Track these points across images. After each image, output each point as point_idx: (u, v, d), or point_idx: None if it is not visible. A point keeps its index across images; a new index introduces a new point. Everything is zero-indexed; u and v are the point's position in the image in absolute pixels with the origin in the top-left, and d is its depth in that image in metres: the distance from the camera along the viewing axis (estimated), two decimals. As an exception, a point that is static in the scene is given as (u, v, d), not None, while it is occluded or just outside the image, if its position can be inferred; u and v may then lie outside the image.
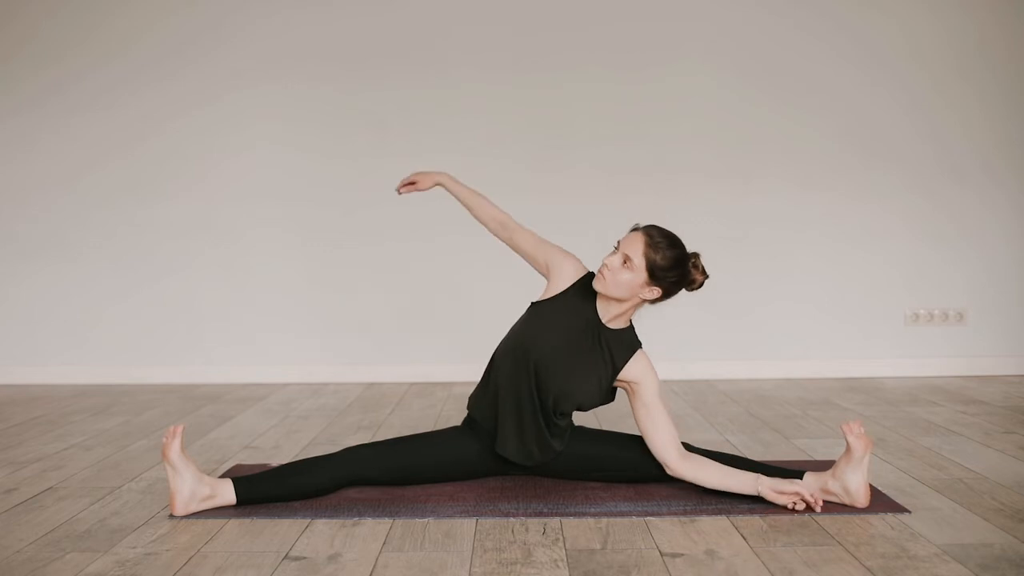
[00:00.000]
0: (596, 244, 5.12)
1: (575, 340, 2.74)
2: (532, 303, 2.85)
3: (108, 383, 5.16)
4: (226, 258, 5.21)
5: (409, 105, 5.18)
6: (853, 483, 2.55)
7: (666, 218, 5.13)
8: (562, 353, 2.73)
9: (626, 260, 2.64)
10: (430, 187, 3.05)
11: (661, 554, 2.25)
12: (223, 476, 2.91)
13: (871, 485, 2.70)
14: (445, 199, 5.16)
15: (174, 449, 2.57)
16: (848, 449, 2.56)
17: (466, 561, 2.23)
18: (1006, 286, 5.16)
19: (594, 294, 2.75)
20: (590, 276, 2.80)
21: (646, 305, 2.74)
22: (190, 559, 2.27)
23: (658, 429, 2.70)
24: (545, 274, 2.87)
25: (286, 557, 2.27)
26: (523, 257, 2.92)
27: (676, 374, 5.12)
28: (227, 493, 2.63)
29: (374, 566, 2.21)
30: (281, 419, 4.09)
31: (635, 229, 2.71)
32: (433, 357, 5.14)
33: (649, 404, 2.72)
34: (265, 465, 3.17)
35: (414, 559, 2.25)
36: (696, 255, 2.73)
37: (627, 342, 2.77)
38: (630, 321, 2.80)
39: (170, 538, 2.43)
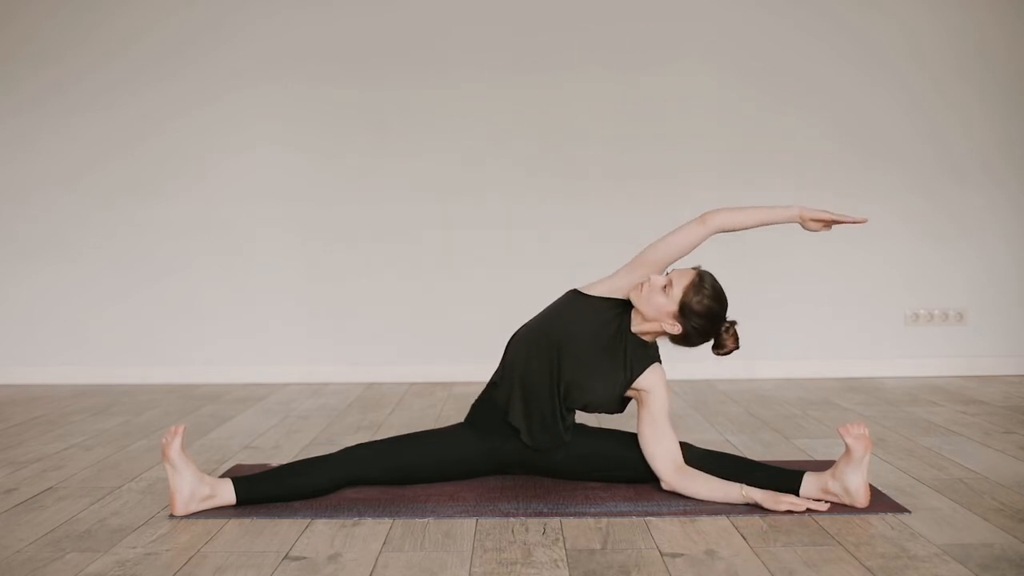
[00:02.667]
0: (595, 243, 5.14)
1: (603, 339, 2.76)
2: (575, 290, 2.85)
3: (108, 383, 5.16)
4: (226, 258, 5.21)
5: (409, 105, 5.18)
6: (853, 483, 2.55)
7: (666, 217, 5.16)
8: (587, 346, 2.75)
9: (667, 285, 2.67)
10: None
11: (661, 554, 2.25)
12: (223, 476, 2.91)
13: (871, 485, 2.70)
14: (446, 201, 5.19)
15: (174, 448, 2.57)
16: (848, 450, 2.56)
17: (466, 561, 2.23)
18: (1006, 286, 5.16)
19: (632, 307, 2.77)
20: None
21: (668, 341, 2.76)
22: (190, 559, 2.27)
23: (660, 443, 2.71)
24: (643, 265, 2.79)
25: (286, 557, 2.27)
26: (677, 248, 2.80)
27: (676, 374, 5.09)
28: (227, 493, 2.63)
29: (374, 566, 2.21)
30: (281, 419, 4.09)
31: (695, 268, 2.73)
32: (433, 357, 5.14)
33: (656, 416, 2.73)
34: (265, 465, 3.17)
35: (414, 559, 2.25)
36: (733, 323, 2.76)
37: (648, 354, 2.79)
38: (655, 341, 2.81)
39: (170, 538, 2.43)
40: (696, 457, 2.75)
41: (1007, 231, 5.16)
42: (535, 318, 2.86)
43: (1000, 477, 2.90)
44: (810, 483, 2.62)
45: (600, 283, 2.84)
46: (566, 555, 2.25)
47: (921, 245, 5.16)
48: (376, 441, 2.88)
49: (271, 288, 5.19)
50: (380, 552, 2.30)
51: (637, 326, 2.76)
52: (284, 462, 3.15)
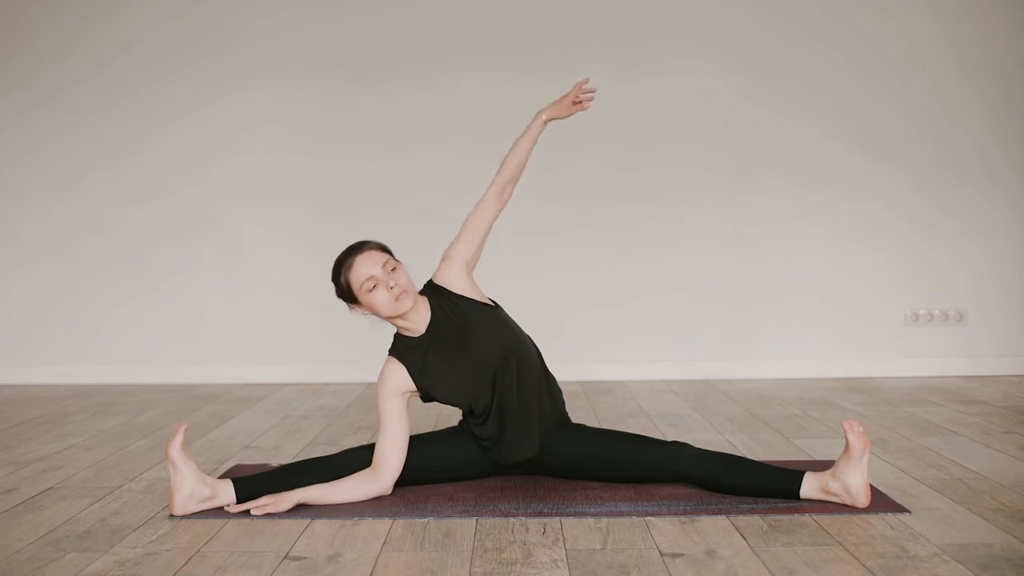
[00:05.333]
0: (596, 242, 5.14)
1: (472, 331, 2.80)
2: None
3: (108, 383, 5.16)
4: (226, 258, 5.21)
5: (409, 105, 5.18)
6: (853, 483, 2.55)
7: (667, 216, 5.17)
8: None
9: (389, 269, 2.74)
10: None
11: (661, 554, 2.25)
12: (223, 476, 2.91)
13: (871, 485, 2.70)
14: (445, 201, 5.18)
15: (175, 447, 2.58)
16: (847, 447, 2.56)
17: (466, 561, 2.23)
18: (1006, 286, 5.16)
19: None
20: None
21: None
22: (190, 559, 2.27)
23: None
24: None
25: (286, 557, 2.27)
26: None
27: (676, 374, 5.12)
28: (227, 494, 2.64)
29: (374, 566, 2.21)
30: (281, 419, 4.09)
31: (351, 256, 2.77)
32: (433, 357, 5.14)
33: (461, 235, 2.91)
34: (265, 465, 3.17)
35: (414, 559, 2.25)
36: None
37: (439, 290, 2.86)
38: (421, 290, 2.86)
39: (170, 538, 2.43)
40: (696, 457, 2.74)
41: (1008, 231, 5.15)
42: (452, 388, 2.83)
43: (1000, 477, 2.90)
44: (811, 483, 2.61)
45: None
46: (566, 555, 2.25)
47: (922, 245, 5.16)
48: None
49: (271, 288, 5.19)
50: (380, 552, 2.30)
51: (421, 312, 2.81)
52: (284, 462, 3.15)
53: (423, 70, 5.16)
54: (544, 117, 2.92)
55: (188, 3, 5.21)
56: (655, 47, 5.16)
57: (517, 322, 2.94)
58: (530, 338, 2.91)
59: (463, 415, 2.87)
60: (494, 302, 2.92)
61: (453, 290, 2.84)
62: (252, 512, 2.58)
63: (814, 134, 5.16)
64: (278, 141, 5.20)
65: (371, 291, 2.71)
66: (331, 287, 2.62)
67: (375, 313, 2.75)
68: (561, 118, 2.94)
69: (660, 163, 5.16)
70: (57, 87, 5.21)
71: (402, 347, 2.83)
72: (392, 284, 2.71)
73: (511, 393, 2.76)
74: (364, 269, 2.71)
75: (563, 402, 2.92)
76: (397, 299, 2.71)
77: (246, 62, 5.19)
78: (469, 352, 2.78)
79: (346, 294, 2.74)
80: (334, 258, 2.86)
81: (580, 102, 2.92)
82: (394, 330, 2.87)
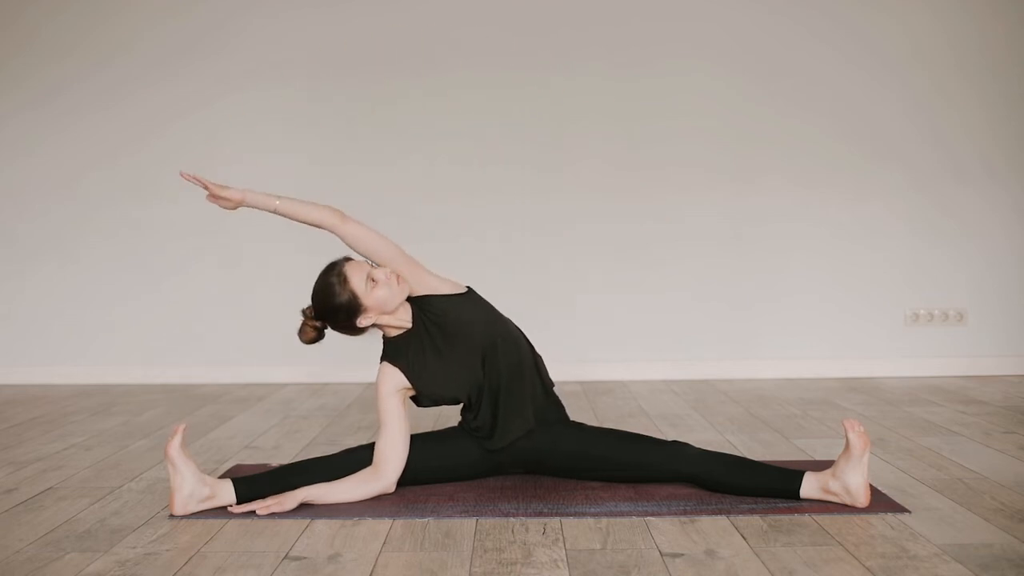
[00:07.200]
0: (597, 242, 5.14)
1: (451, 320, 2.82)
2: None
3: (108, 383, 5.16)
4: (226, 258, 5.21)
5: (410, 107, 5.18)
6: (853, 482, 2.55)
7: (667, 216, 5.17)
8: (490, 325, 2.85)
9: (372, 266, 2.78)
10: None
11: (661, 554, 2.25)
12: (223, 476, 2.92)
13: (871, 485, 2.70)
14: (444, 202, 5.18)
15: (174, 447, 2.58)
16: (847, 447, 2.56)
17: (466, 561, 2.23)
18: (1007, 286, 5.16)
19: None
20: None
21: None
22: (190, 559, 2.27)
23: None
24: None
25: (286, 557, 2.27)
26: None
27: (676, 374, 5.12)
28: (227, 494, 2.64)
29: (374, 566, 2.21)
30: (281, 419, 4.09)
31: (339, 271, 2.77)
32: (433, 357, 5.14)
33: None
34: (265, 465, 3.17)
35: (414, 559, 2.25)
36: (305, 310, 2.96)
37: (421, 303, 2.84)
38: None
39: (170, 538, 2.43)
40: (696, 457, 2.75)
41: (1008, 231, 5.15)
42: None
43: (1000, 477, 2.90)
44: (811, 483, 2.61)
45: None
46: (566, 555, 2.25)
47: (922, 244, 5.16)
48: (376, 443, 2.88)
49: (271, 288, 5.19)
50: (380, 552, 2.30)
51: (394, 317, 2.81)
52: (284, 462, 3.16)
53: (423, 70, 5.16)
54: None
55: (188, 3, 5.21)
56: (655, 47, 5.16)
57: (509, 317, 2.95)
58: (511, 320, 2.92)
59: (461, 412, 2.87)
60: (468, 287, 2.91)
61: (421, 293, 2.84)
62: (257, 512, 2.58)
63: (814, 134, 5.16)
64: (278, 141, 5.20)
65: (375, 288, 2.73)
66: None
67: (383, 310, 2.75)
68: (228, 208, 3.02)
69: (660, 163, 5.16)
70: (57, 87, 5.21)
71: (393, 351, 2.84)
72: (387, 273, 2.75)
73: (501, 368, 2.79)
74: (358, 273, 2.74)
75: (552, 383, 2.92)
76: (398, 283, 2.76)
77: (246, 62, 5.19)
78: (454, 341, 2.80)
79: (352, 307, 2.73)
80: (336, 258, 2.86)
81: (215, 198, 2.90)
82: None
